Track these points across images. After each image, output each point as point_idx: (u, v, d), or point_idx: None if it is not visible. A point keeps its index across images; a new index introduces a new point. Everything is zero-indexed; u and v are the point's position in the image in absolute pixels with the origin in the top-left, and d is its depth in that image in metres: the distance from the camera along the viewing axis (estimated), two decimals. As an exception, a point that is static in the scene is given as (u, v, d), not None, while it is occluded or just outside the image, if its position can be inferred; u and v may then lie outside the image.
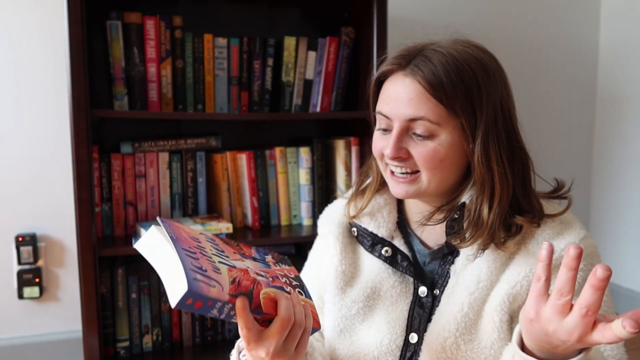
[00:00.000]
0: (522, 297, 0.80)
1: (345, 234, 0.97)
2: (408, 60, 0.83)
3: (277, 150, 1.78)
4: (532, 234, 0.83)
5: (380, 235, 0.92)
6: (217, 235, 0.81)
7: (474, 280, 0.83)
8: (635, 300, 2.22)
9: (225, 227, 1.63)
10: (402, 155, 0.83)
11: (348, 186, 1.77)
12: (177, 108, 1.68)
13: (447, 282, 0.87)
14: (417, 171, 0.84)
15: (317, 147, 1.82)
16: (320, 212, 1.06)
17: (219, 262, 0.69)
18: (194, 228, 0.79)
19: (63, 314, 1.82)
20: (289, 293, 0.73)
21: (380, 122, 0.87)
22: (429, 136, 0.82)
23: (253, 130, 1.91)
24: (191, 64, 1.67)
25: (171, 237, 0.68)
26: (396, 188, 0.86)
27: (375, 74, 0.88)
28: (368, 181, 0.98)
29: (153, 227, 0.72)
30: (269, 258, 0.83)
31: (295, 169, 1.82)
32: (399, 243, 0.92)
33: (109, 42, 1.60)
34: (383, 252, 0.90)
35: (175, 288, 0.62)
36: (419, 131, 0.82)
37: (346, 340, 0.90)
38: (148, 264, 0.69)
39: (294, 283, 0.79)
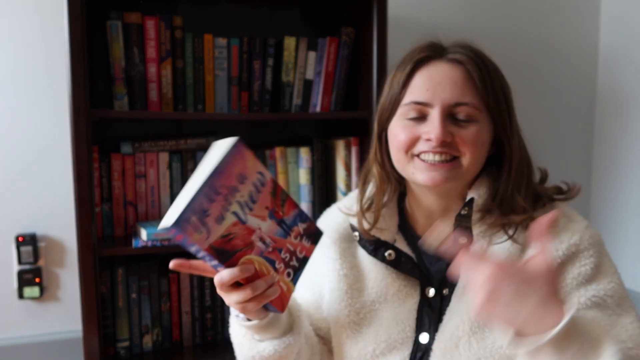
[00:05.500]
0: None
1: (343, 238, 0.96)
2: (442, 50, 0.85)
3: (277, 150, 1.78)
4: None
5: (383, 238, 0.91)
6: (274, 182, 0.77)
7: None
8: (635, 300, 2.22)
9: (225, 227, 1.63)
10: (447, 139, 0.82)
11: (348, 186, 1.76)
12: (177, 108, 1.68)
13: (456, 281, 0.86)
14: (456, 157, 0.83)
15: (317, 147, 1.82)
16: (321, 212, 1.06)
17: (233, 212, 0.71)
18: (259, 165, 0.76)
19: (63, 314, 1.82)
20: (276, 270, 0.74)
21: (408, 113, 0.85)
22: (472, 121, 0.83)
23: (253, 130, 1.91)
24: (191, 64, 1.67)
25: (215, 168, 0.70)
26: (433, 174, 0.83)
27: (408, 64, 0.86)
28: (369, 189, 0.96)
29: (231, 140, 0.74)
30: (298, 228, 0.79)
31: (295, 169, 1.81)
32: (401, 245, 0.91)
33: (109, 42, 1.60)
34: (386, 255, 0.90)
35: (170, 215, 0.67)
36: (462, 115, 0.82)
37: (354, 344, 0.89)
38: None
39: (293, 263, 0.77)
